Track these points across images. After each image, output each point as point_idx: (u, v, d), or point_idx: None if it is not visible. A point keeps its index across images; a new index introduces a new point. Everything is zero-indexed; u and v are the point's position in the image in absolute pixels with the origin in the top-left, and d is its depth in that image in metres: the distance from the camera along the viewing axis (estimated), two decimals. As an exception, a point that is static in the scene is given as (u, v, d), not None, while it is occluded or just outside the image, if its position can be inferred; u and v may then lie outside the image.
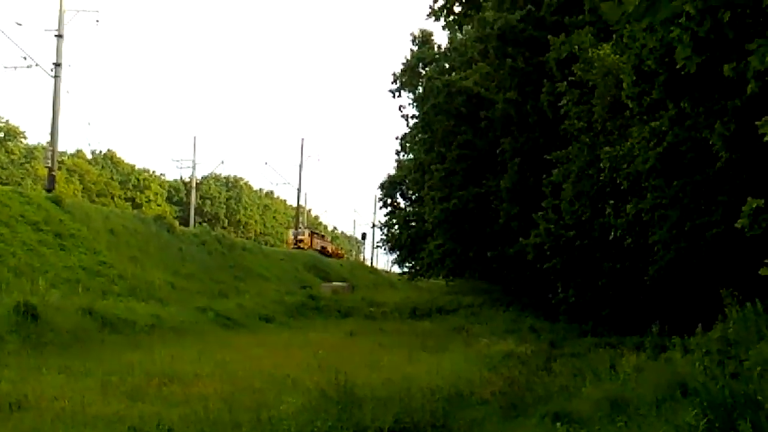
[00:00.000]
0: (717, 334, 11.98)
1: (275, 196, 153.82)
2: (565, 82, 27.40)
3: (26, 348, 17.29)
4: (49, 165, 41.81)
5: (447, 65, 53.86)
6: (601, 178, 23.13)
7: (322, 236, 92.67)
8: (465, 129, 40.29)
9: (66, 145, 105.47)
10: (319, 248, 78.13)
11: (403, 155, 63.45)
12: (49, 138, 42.62)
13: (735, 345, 11.15)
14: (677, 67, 9.55)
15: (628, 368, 13.27)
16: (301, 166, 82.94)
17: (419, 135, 51.18)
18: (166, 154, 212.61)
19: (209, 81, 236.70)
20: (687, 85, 16.38)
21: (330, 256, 78.73)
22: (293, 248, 72.57)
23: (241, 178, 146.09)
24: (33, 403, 11.69)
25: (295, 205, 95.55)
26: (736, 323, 11.82)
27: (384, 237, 68.98)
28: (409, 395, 12.12)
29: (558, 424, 10.27)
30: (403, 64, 58.16)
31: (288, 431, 10.09)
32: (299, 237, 77.59)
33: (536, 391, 13.35)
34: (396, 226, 64.35)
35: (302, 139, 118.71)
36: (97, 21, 45.83)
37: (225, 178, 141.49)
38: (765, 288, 12.69)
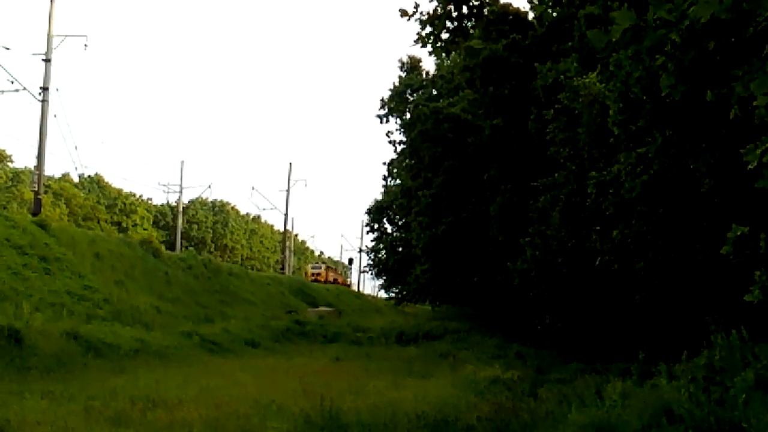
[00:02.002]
0: (702, 360, 11.99)
1: (262, 220, 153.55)
2: (552, 110, 27.50)
3: (9, 372, 17.15)
4: (36, 189, 41.68)
5: (435, 91, 54.14)
6: (587, 202, 23.15)
7: (335, 270, 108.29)
8: (452, 155, 40.30)
9: (53, 168, 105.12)
10: (332, 280, 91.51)
11: (391, 181, 63.72)
12: (35, 161, 42.58)
13: (720, 372, 11.16)
14: (662, 94, 9.60)
15: (614, 394, 13.21)
16: (288, 191, 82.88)
17: (406, 161, 51.29)
18: (153, 178, 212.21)
19: (197, 105, 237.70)
20: (673, 114, 16.47)
21: (341, 285, 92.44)
22: (311, 280, 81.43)
23: (228, 203, 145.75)
24: (15, 428, 11.57)
25: (282, 230, 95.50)
26: (722, 350, 11.84)
27: (371, 262, 69.07)
28: (395, 421, 12.08)
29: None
30: (391, 90, 58.43)
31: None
32: (317, 271, 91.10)
33: (522, 417, 13.32)
34: (383, 252, 64.43)
35: (290, 164, 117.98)
36: (85, 45, 45.04)
37: (212, 202, 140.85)
38: (750, 315, 12.73)
